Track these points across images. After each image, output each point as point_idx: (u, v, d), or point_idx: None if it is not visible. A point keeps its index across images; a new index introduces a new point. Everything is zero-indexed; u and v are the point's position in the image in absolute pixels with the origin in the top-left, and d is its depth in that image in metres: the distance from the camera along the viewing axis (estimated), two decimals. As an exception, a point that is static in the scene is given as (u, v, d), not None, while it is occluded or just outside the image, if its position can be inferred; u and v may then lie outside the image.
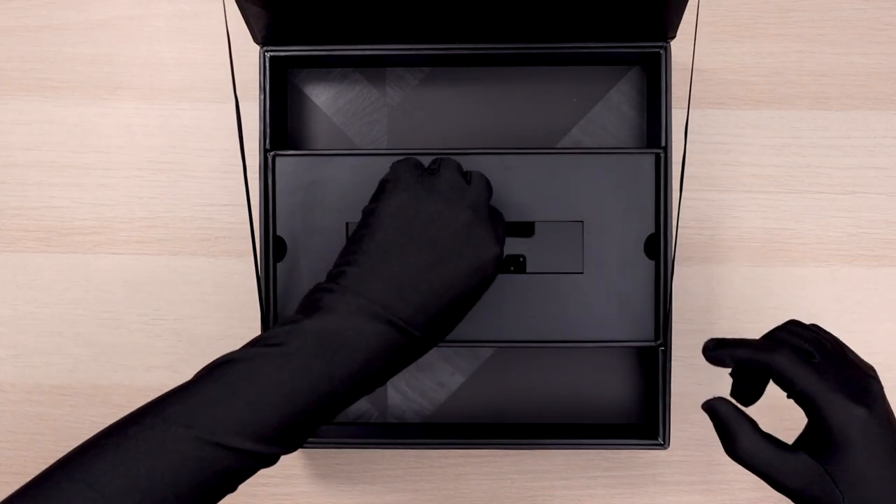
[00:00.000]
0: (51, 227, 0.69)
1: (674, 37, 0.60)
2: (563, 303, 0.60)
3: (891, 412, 0.48)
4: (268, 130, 0.61)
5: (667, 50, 0.60)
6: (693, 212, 0.67)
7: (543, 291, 0.61)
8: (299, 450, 0.68)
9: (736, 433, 0.48)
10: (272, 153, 0.60)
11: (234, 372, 0.44)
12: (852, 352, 0.51)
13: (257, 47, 0.61)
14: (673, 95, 0.60)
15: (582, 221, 0.60)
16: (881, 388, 0.48)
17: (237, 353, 0.45)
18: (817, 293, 0.67)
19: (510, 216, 0.60)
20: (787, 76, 0.67)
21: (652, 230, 0.60)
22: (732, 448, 0.48)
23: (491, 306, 0.60)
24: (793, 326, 0.52)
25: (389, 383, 0.67)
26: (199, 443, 0.42)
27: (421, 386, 0.67)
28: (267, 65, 0.61)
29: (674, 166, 0.60)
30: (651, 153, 0.60)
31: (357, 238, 0.49)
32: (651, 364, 0.64)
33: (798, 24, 0.67)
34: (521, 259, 0.59)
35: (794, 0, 0.67)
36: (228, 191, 0.68)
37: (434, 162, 0.53)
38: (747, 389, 0.52)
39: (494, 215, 0.52)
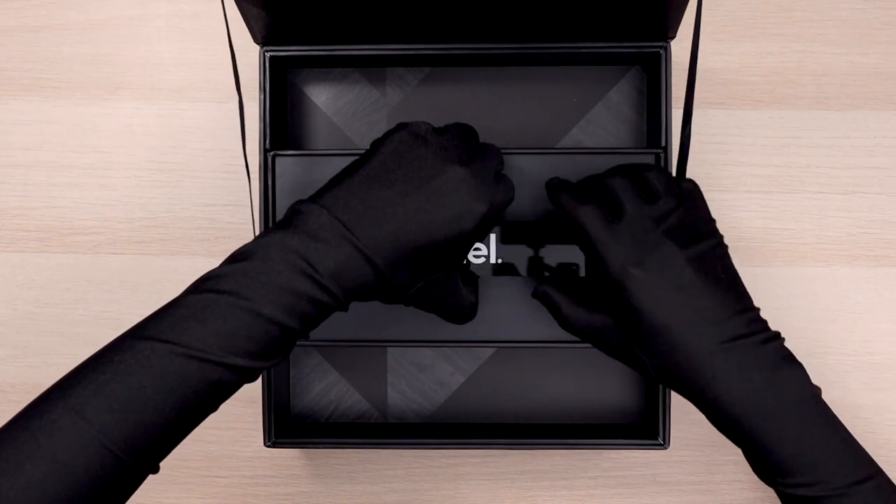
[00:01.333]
0: (51, 227, 0.68)
1: (674, 37, 0.60)
2: (563, 303, 0.60)
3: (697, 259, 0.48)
4: (268, 130, 0.61)
5: (667, 50, 0.60)
6: (693, 212, 0.67)
7: (543, 291, 0.60)
8: (299, 450, 0.68)
9: (559, 306, 0.52)
10: (272, 153, 0.60)
11: (208, 289, 0.44)
12: (696, 206, 0.51)
13: (257, 47, 0.61)
14: (673, 95, 0.60)
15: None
16: (681, 237, 0.48)
17: (211, 272, 0.46)
18: (817, 293, 0.67)
19: (510, 216, 0.60)
20: (787, 76, 0.67)
21: (652, 230, 0.60)
22: (559, 320, 0.52)
23: (491, 306, 0.60)
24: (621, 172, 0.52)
25: (389, 384, 0.67)
26: (180, 358, 0.43)
27: (421, 386, 0.67)
28: (267, 65, 0.61)
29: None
30: (651, 153, 0.60)
31: (350, 164, 0.50)
32: (651, 364, 0.64)
33: (798, 24, 0.67)
34: (574, 267, 0.58)
35: (794, 0, 0.67)
36: (229, 191, 0.68)
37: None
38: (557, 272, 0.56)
39: (501, 181, 0.51)
